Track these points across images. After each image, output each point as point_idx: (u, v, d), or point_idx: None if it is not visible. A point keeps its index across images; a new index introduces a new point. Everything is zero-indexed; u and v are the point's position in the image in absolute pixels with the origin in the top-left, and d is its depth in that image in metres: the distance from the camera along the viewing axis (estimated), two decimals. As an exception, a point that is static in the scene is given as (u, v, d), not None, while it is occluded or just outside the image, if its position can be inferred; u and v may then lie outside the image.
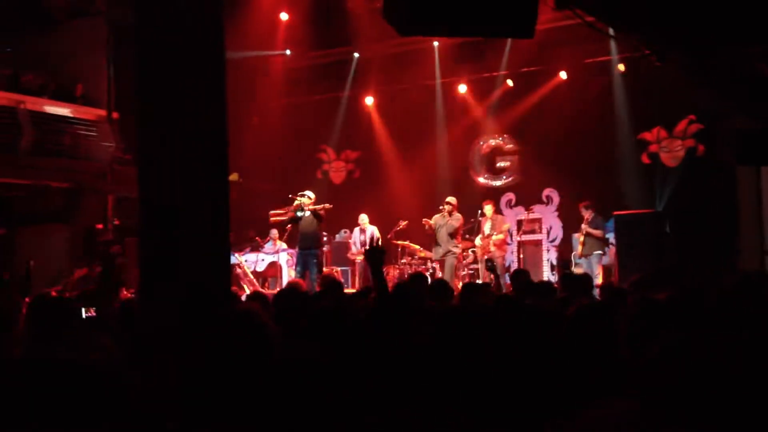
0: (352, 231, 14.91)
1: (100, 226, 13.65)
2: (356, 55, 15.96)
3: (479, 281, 12.54)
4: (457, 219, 12.63)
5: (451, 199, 12.78)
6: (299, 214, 11.91)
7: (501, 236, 13.14)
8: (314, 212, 11.86)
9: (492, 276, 8.81)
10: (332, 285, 6.90)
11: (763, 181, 11.79)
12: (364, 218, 14.34)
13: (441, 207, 12.74)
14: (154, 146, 3.22)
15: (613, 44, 13.17)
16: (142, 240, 3.34)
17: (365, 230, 14.24)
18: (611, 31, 10.29)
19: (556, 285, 7.36)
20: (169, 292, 3.27)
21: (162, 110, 3.21)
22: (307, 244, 11.79)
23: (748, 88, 9.67)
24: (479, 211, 13.44)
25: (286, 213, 12.22)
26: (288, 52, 16.15)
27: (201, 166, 3.24)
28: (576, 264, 12.63)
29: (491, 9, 5.44)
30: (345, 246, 14.86)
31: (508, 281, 9.89)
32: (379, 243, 12.58)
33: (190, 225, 3.25)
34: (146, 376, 3.38)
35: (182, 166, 3.21)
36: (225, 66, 3.37)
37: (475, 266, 13.26)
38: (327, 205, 12.10)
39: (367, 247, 3.90)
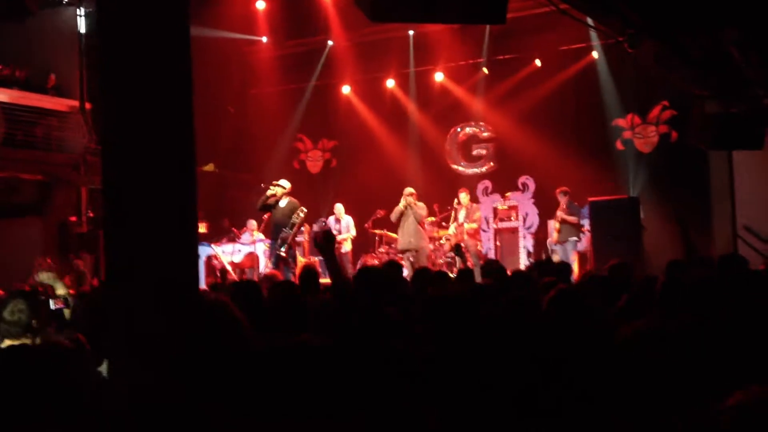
0: (340, 221, 14.81)
1: (74, 218, 13.54)
2: (330, 43, 15.90)
3: (456, 269, 12.60)
4: (423, 208, 12.46)
5: (411, 189, 12.52)
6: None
7: (474, 225, 13.12)
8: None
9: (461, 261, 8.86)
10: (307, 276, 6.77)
11: (734, 166, 11.90)
12: (339, 208, 14.30)
13: (412, 201, 12.34)
14: (117, 135, 3.18)
15: (587, 31, 13.21)
16: (107, 231, 3.30)
17: (340, 219, 14.20)
18: (589, 20, 10.31)
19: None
20: (134, 284, 3.23)
21: (125, 98, 3.17)
22: (276, 235, 11.63)
23: (720, 73, 9.73)
24: (456, 200, 13.45)
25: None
26: (264, 39, 16.06)
27: (166, 155, 3.20)
28: (552, 251, 12.70)
29: (462, -5, 5.42)
30: (321, 235, 14.79)
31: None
32: (329, 232, 12.43)
33: (156, 216, 3.21)
34: (113, 370, 3.36)
35: (146, 155, 3.17)
36: (190, 53, 3.33)
37: (452, 254, 13.28)
38: (301, 215, 11.69)
39: (317, 239, 3.83)
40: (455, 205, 13.39)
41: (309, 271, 6.57)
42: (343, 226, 14.12)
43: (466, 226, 13.06)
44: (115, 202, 3.22)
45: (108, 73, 3.15)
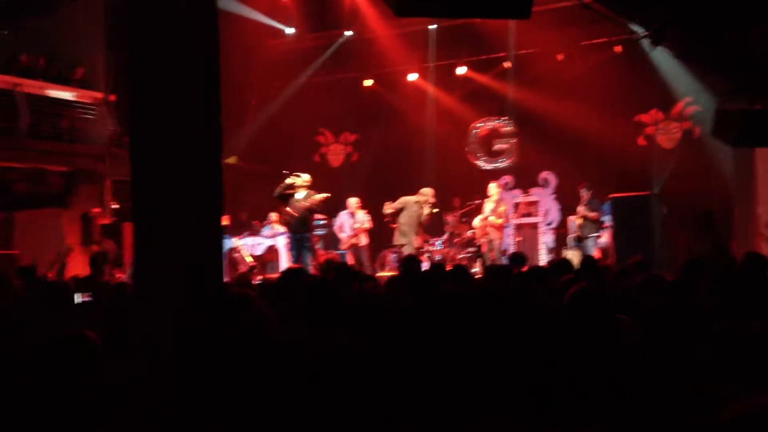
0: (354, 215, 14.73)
1: (98, 209, 13.67)
2: (348, 33, 15.84)
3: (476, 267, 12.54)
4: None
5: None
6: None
7: (500, 221, 13.00)
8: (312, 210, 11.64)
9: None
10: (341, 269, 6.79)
11: (757, 163, 11.78)
12: (353, 202, 14.21)
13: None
14: (146, 127, 3.24)
15: (610, 26, 13.12)
16: (135, 223, 3.36)
17: (354, 214, 14.14)
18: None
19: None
20: (161, 276, 3.29)
21: (154, 91, 3.22)
22: (297, 228, 11.61)
23: (745, 69, 9.66)
24: (474, 196, 13.39)
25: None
26: (292, 30, 16.04)
27: (193, 147, 3.25)
28: (573, 246, 12.64)
29: (486, -10, 5.42)
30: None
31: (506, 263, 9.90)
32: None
33: (183, 208, 3.27)
34: (140, 361, 3.41)
35: (174, 147, 3.22)
36: (219, 47, 3.38)
37: (472, 249, 13.25)
38: (324, 195, 11.81)
39: None
40: (474, 200, 13.30)
41: (338, 264, 6.63)
42: (359, 220, 14.09)
43: (491, 219, 12.95)
44: (143, 193, 3.28)
45: (136, 66, 3.21)
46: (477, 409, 3.02)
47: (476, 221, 13.04)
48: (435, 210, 12.41)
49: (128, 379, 3.36)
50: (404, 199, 12.34)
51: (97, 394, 2.55)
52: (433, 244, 13.46)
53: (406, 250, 12.04)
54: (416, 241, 12.32)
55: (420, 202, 12.19)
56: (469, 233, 13.29)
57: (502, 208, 13.18)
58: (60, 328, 4.36)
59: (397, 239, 12.48)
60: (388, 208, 12.61)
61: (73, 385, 2.48)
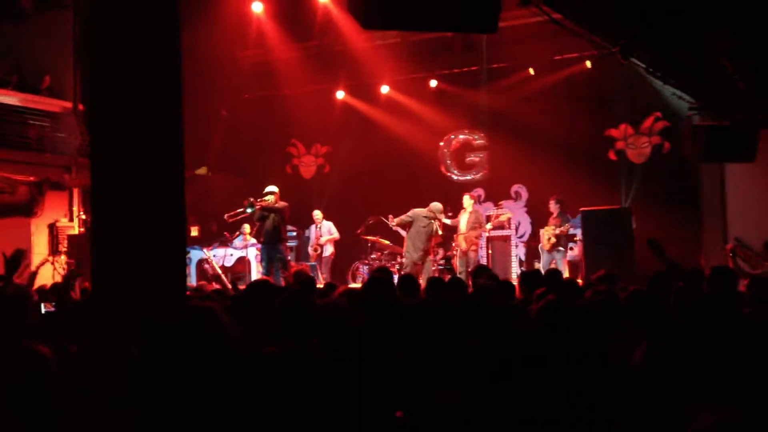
0: (318, 227, 14.72)
1: (65, 219, 13.52)
2: (320, 46, 15.83)
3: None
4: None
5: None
6: (248, 210, 11.58)
7: (489, 226, 12.97)
8: (269, 209, 11.56)
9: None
10: (305, 281, 6.85)
11: (726, 178, 11.92)
12: (317, 214, 14.47)
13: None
14: (107, 136, 3.19)
15: (581, 41, 13.23)
16: (95, 232, 3.31)
17: (318, 225, 14.41)
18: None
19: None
20: (121, 286, 3.23)
21: (115, 102, 3.18)
22: (268, 239, 11.68)
23: (713, 85, 9.79)
24: (446, 208, 13.40)
25: (237, 213, 11.90)
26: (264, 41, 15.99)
27: (155, 158, 3.21)
28: (542, 259, 12.66)
29: (454, 3, 5.43)
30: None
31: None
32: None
33: (144, 217, 3.22)
34: (101, 372, 3.35)
35: (135, 158, 3.18)
36: (181, 58, 3.34)
37: (443, 262, 13.23)
38: (280, 203, 11.71)
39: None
40: (446, 212, 13.29)
41: (304, 276, 6.63)
42: (324, 230, 14.28)
43: (487, 226, 12.81)
44: (103, 204, 3.23)
45: (98, 77, 3.16)
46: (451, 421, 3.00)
47: (462, 226, 12.79)
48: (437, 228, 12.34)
49: (90, 391, 3.29)
50: (415, 212, 12.27)
51: (50, 408, 2.50)
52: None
53: (409, 266, 12.01)
54: (425, 258, 12.18)
55: (429, 216, 12.16)
56: (454, 245, 13.21)
57: (504, 216, 13.19)
58: (22, 340, 4.28)
59: (405, 253, 12.41)
60: (396, 220, 12.54)
61: (24, 401, 2.43)
